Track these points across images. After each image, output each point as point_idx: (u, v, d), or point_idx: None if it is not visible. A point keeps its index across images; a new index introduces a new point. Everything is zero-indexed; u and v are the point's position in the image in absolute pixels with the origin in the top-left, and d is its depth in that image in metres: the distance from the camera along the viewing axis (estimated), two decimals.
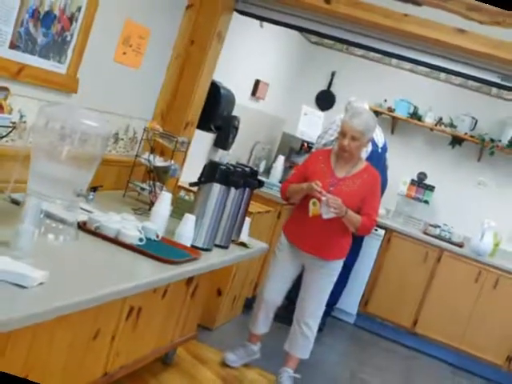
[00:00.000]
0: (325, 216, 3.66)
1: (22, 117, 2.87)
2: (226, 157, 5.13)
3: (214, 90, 4.53)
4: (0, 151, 2.64)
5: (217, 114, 4.63)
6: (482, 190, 6.44)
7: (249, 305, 4.93)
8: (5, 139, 2.35)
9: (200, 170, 3.24)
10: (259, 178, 3.64)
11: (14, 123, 2.26)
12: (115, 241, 2.68)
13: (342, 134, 3.79)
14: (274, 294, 4.06)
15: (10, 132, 2.24)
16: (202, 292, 3.87)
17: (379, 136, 5.19)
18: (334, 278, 4.01)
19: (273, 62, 6.23)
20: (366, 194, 3.83)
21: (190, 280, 3.53)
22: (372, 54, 6.33)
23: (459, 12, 3.77)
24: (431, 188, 6.46)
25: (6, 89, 2.27)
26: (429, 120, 6.47)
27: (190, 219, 3.02)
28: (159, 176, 3.62)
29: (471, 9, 3.76)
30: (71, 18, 3.02)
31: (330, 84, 6.92)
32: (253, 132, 6.06)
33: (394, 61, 6.49)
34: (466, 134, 6.36)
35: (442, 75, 6.43)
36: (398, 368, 5.31)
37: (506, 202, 6.32)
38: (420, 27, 3.82)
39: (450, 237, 6.07)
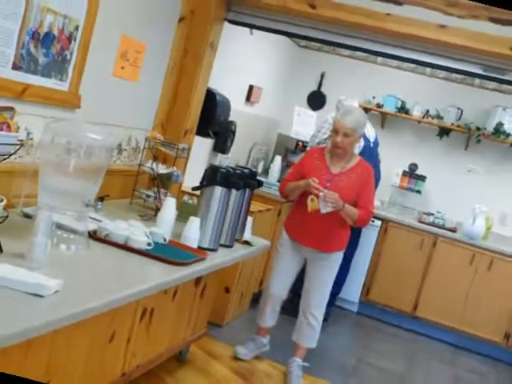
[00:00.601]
0: (323, 211, 3.66)
1: (28, 134, 2.88)
2: (225, 160, 5.14)
3: (210, 97, 4.53)
4: (9, 168, 2.64)
5: (214, 120, 4.63)
6: (471, 176, 6.44)
7: (256, 300, 4.92)
8: (13, 156, 2.35)
9: (201, 175, 3.24)
10: (258, 178, 3.64)
11: (21, 141, 2.26)
12: (125, 247, 2.68)
13: (335, 131, 3.80)
14: (279, 288, 4.07)
15: (18, 149, 2.24)
16: (210, 290, 3.88)
17: (370, 131, 5.20)
18: (336, 270, 4.01)
19: (264, 67, 6.23)
20: (361, 188, 3.83)
21: (198, 280, 3.53)
22: (358, 53, 6.33)
23: (439, 8, 3.78)
24: (423, 178, 6.46)
25: (11, 108, 2.27)
26: (416, 113, 6.47)
27: (194, 222, 3.02)
28: (163, 182, 3.62)
29: (450, 5, 3.76)
30: (70, 38, 3.02)
31: (320, 85, 6.92)
32: (249, 135, 6.06)
33: (380, 59, 6.49)
34: (452, 124, 6.36)
35: (427, 70, 6.42)
36: (402, 351, 5.31)
37: (495, 186, 6.32)
38: (402, 25, 3.82)
39: (444, 223, 6.07)
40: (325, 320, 4.21)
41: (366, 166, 3.93)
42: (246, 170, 3.44)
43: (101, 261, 2.52)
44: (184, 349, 3.80)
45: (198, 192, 3.26)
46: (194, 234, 3.00)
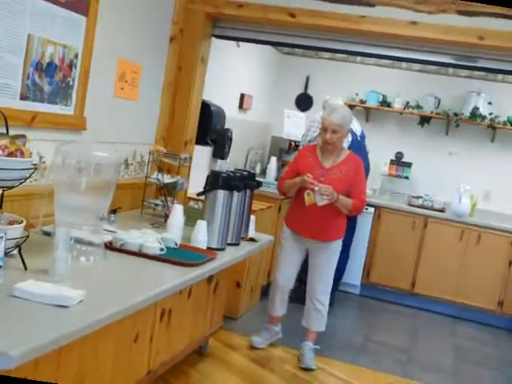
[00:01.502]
0: (319, 203, 3.67)
1: (41, 158, 2.87)
2: (225, 165, 5.12)
3: (205, 108, 4.54)
4: (27, 191, 2.64)
5: (211, 129, 4.64)
6: (454, 159, 6.44)
7: (265, 292, 4.92)
8: (29, 180, 2.35)
9: (204, 181, 3.24)
10: (257, 179, 3.63)
11: (35, 165, 2.26)
12: (139, 254, 2.68)
13: (324, 129, 3.80)
14: (285, 278, 4.07)
15: (33, 173, 2.24)
16: (222, 287, 3.88)
17: (356, 126, 5.19)
18: (336, 257, 4.01)
19: (253, 75, 6.23)
20: (353, 179, 3.84)
21: (210, 278, 3.53)
22: (339, 55, 6.33)
23: (409, 6, 3.78)
24: (409, 165, 6.46)
25: (23, 136, 2.27)
26: (397, 105, 6.47)
27: (202, 225, 3.02)
28: (169, 191, 3.62)
29: (419, 2, 3.76)
30: (70, 65, 3.03)
31: (306, 87, 6.92)
32: (245, 140, 6.06)
33: (359, 58, 6.50)
34: (431, 112, 6.36)
35: (403, 64, 6.44)
36: (405, 326, 5.31)
37: (476, 166, 6.32)
38: (376, 25, 3.83)
39: (432, 204, 6.08)
40: (331, 304, 4.21)
41: (356, 158, 3.93)
42: (245, 173, 3.44)
43: (118, 269, 2.52)
44: (203, 343, 3.80)
45: (202, 197, 3.27)
46: (202, 236, 3.00)
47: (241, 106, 5.91)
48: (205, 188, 3.20)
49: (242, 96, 5.90)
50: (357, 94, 6.59)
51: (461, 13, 3.71)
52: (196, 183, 3.92)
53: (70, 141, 2.99)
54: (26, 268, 2.18)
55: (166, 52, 4.05)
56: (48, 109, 2.91)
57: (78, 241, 2.44)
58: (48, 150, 2.81)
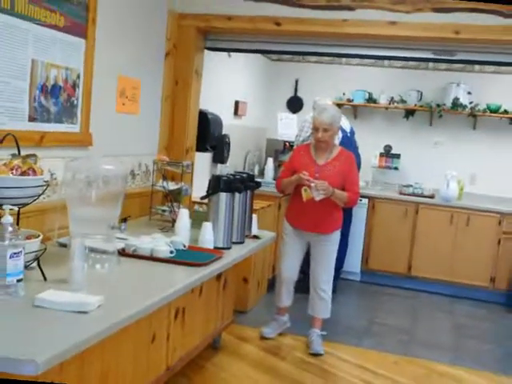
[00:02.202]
0: (316, 198, 3.67)
1: (52, 175, 2.88)
2: (225, 169, 5.13)
3: (203, 117, 4.54)
4: (41, 207, 2.65)
5: (209, 136, 4.63)
6: (439, 147, 6.44)
7: (271, 285, 4.92)
8: (42, 196, 2.35)
9: (206, 185, 3.24)
10: (256, 180, 3.63)
11: (47, 182, 2.26)
12: (151, 258, 2.68)
13: (315, 128, 3.80)
14: (289, 271, 4.07)
15: (46, 189, 2.25)
16: (231, 283, 3.88)
17: (345, 123, 5.19)
18: (336, 247, 4.01)
19: (245, 83, 6.23)
20: (346, 173, 3.84)
21: (219, 276, 3.53)
22: (324, 57, 6.34)
23: (387, 8, 3.78)
24: (397, 156, 6.46)
25: (34, 155, 2.27)
26: (383, 101, 6.46)
27: (207, 226, 3.02)
28: (175, 197, 3.62)
29: (396, 3, 3.76)
30: (74, 86, 3.03)
31: (295, 90, 6.92)
32: (242, 144, 6.06)
33: (344, 59, 6.50)
34: (415, 105, 6.37)
35: (386, 62, 6.44)
36: (404, 308, 5.31)
37: (461, 152, 6.33)
38: (358, 27, 3.82)
39: (422, 192, 6.08)
40: (333, 292, 4.21)
41: (348, 153, 3.93)
42: (244, 175, 3.44)
43: (132, 273, 2.52)
44: (217, 337, 3.80)
45: (206, 200, 3.26)
46: (208, 236, 3.00)
47: (236, 113, 5.91)
48: (208, 192, 3.20)
49: (237, 103, 5.90)
50: (344, 94, 6.59)
51: (436, 10, 3.71)
52: (199, 188, 3.92)
53: (78, 156, 2.99)
54: (45, 279, 2.18)
55: (162, 67, 4.05)
56: (55, 128, 2.91)
57: (93, 250, 2.44)
58: (58, 167, 2.82)
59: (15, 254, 1.92)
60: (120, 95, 3.53)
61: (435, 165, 6.30)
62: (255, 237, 3.51)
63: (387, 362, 3.93)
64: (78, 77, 3.05)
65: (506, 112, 6.09)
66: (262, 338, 4.10)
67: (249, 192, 3.42)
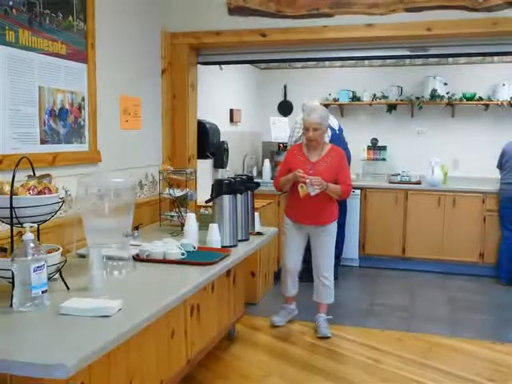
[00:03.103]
0: (312, 193, 3.67)
1: (66, 192, 2.88)
2: (225, 173, 5.14)
3: (201, 126, 4.54)
4: (59, 222, 2.65)
5: (209, 144, 4.64)
6: (422, 136, 6.44)
7: (277, 276, 4.92)
8: (59, 212, 2.35)
9: (210, 189, 3.24)
10: (255, 180, 3.63)
11: (62, 198, 2.26)
12: (164, 261, 2.68)
13: (306, 128, 3.80)
14: (293, 262, 4.07)
15: (62, 206, 2.25)
16: (240, 278, 3.87)
17: (333, 121, 5.19)
18: (334, 237, 4.00)
19: (238, 92, 6.23)
20: (338, 168, 3.83)
21: (228, 272, 3.53)
22: (309, 62, 6.34)
23: (363, 11, 3.78)
24: (384, 148, 6.45)
25: (48, 175, 2.27)
26: (366, 98, 6.46)
27: (214, 227, 3.02)
28: (181, 203, 3.62)
29: (371, 6, 3.76)
30: (79, 108, 3.03)
31: (285, 95, 6.92)
32: (240, 148, 6.07)
33: (327, 63, 6.50)
34: (396, 100, 6.36)
35: (366, 62, 6.44)
36: (402, 287, 5.30)
37: (442, 139, 6.32)
38: (337, 32, 3.82)
39: (409, 179, 6.08)
40: (335, 278, 4.21)
41: (338, 149, 3.93)
42: (244, 177, 3.44)
43: (148, 276, 2.52)
44: (231, 329, 3.80)
45: (210, 203, 3.26)
46: (215, 237, 3.00)
47: (231, 120, 5.91)
48: (212, 195, 3.20)
49: (231, 111, 5.90)
50: (330, 94, 6.59)
51: (408, 10, 3.71)
52: (203, 192, 3.92)
53: (89, 173, 2.99)
54: (68, 288, 2.18)
55: (160, 83, 4.05)
56: (66, 148, 2.91)
57: (110, 258, 2.44)
58: (71, 184, 2.82)
59: (38, 267, 1.92)
60: (123, 113, 3.53)
61: (419, 153, 6.30)
62: (259, 233, 3.51)
63: (391, 339, 3.92)
64: (83, 99, 3.05)
65: (480, 99, 6.09)
66: (273, 326, 4.09)
67: (249, 192, 3.42)
